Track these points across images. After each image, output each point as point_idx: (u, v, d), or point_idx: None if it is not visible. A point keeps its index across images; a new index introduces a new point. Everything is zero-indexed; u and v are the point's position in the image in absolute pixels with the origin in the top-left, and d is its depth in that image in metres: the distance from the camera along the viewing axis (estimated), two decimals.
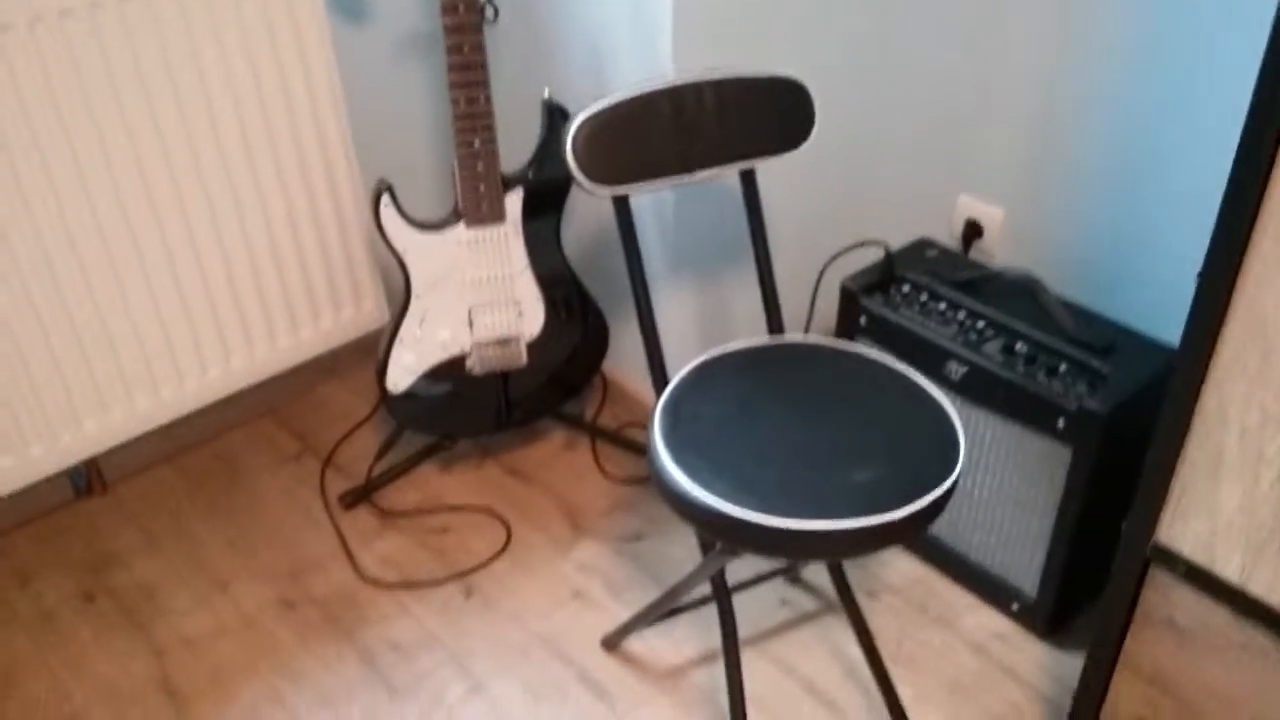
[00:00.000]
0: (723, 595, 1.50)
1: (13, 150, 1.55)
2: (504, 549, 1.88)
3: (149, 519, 1.95)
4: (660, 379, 1.48)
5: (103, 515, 1.96)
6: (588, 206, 2.01)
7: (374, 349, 1.91)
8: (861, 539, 1.21)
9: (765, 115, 1.50)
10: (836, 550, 1.25)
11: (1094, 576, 1.65)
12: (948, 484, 1.26)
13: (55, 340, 1.70)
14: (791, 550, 1.22)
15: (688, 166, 1.47)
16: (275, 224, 1.86)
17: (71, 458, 1.80)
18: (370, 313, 2.06)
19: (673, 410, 1.38)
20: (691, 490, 1.25)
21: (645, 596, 1.79)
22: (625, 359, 2.16)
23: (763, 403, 1.39)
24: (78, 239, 1.66)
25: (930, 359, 1.66)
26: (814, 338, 1.53)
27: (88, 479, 1.97)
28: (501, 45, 1.99)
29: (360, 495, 1.97)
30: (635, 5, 1.70)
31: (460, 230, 1.77)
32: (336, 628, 1.75)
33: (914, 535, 1.34)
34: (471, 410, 1.94)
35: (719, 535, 1.26)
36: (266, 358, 1.96)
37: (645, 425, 2.12)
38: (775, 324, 1.57)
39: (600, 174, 1.41)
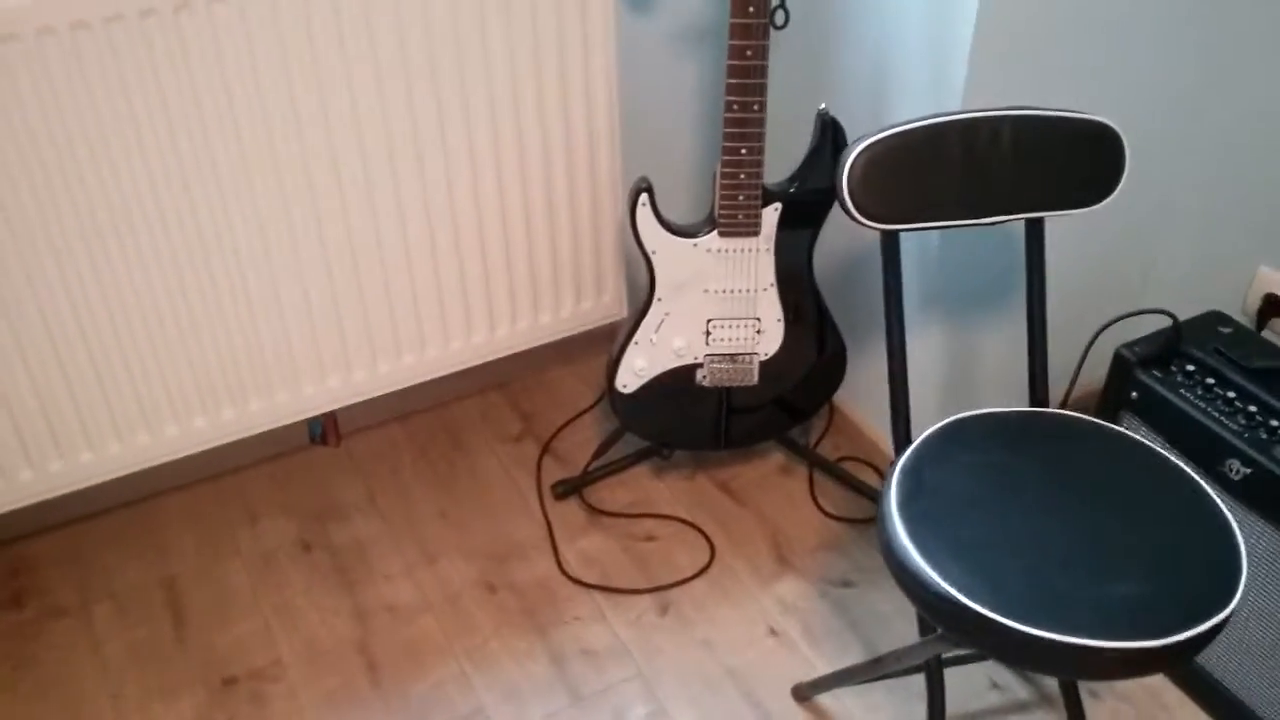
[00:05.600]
0: (935, 677, 1.39)
1: (303, 123, 1.60)
2: (706, 568, 1.83)
3: (373, 476, 2.00)
4: (903, 433, 1.38)
5: (332, 465, 2.03)
6: (841, 226, 1.91)
7: (607, 339, 1.89)
8: (1112, 663, 1.08)
9: (1068, 163, 1.36)
10: (1080, 670, 1.13)
11: None
12: (1223, 614, 1.11)
13: (315, 300, 1.75)
14: (1026, 659, 1.11)
15: (974, 211, 1.35)
16: (533, 208, 1.86)
17: (314, 409, 1.86)
18: (609, 305, 2.04)
19: (913, 474, 1.28)
20: (924, 570, 1.15)
21: (844, 649, 1.69)
22: (855, 389, 2.05)
23: (1016, 483, 1.27)
24: (350, 207, 1.71)
25: (1208, 452, 1.48)
26: (1081, 415, 1.39)
27: (324, 429, 2.05)
28: (781, 51, 1.91)
29: (573, 487, 1.96)
30: (931, 26, 1.58)
31: (712, 238, 1.71)
32: (532, 620, 1.74)
33: (1172, 668, 1.19)
34: (692, 422, 1.88)
35: (946, 625, 1.15)
36: (506, 337, 1.97)
37: (866, 460, 2.02)
38: (1040, 392, 1.43)
39: (875, 209, 1.31)
